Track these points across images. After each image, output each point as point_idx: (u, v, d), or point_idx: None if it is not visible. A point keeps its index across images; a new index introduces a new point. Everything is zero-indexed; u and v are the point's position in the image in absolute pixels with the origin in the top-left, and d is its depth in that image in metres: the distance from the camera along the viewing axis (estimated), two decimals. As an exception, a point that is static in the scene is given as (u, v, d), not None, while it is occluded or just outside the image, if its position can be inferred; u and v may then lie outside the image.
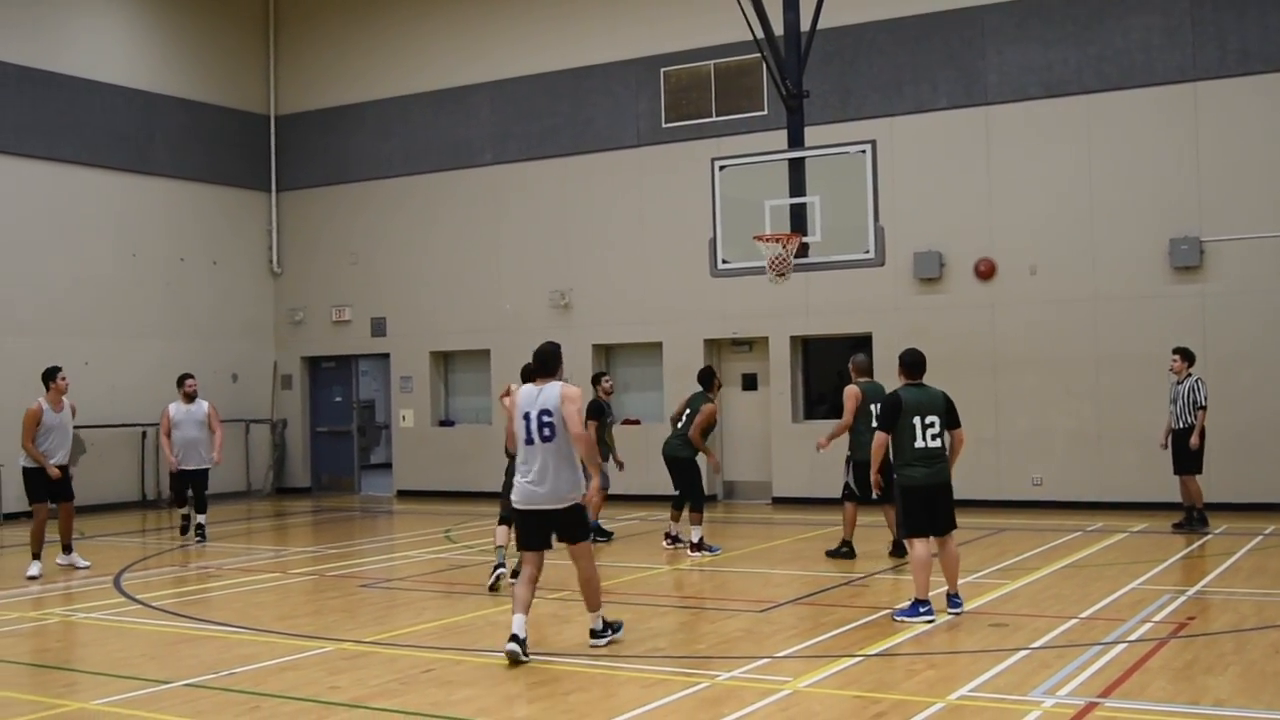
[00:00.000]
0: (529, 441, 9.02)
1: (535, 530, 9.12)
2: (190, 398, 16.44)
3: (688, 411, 14.56)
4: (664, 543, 14.83)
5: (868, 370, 13.98)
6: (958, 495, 10.50)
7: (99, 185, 21.83)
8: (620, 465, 15.75)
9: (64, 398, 13.92)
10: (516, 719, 7.29)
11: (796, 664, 8.58)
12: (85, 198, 21.63)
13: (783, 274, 14.99)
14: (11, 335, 20.35)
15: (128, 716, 7.59)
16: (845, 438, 13.55)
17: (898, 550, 13.20)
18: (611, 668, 8.59)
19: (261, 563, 14.62)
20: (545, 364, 9.17)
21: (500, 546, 11.94)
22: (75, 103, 21.52)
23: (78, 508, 15.09)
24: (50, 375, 13.93)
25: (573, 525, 9.12)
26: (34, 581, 13.26)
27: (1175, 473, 15.40)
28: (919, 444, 10.14)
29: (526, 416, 9.04)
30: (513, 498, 9.20)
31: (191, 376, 16.77)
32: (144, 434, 21.74)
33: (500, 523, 12.01)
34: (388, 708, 7.59)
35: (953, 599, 10.21)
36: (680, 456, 14.51)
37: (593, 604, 9.28)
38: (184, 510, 16.60)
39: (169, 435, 16.34)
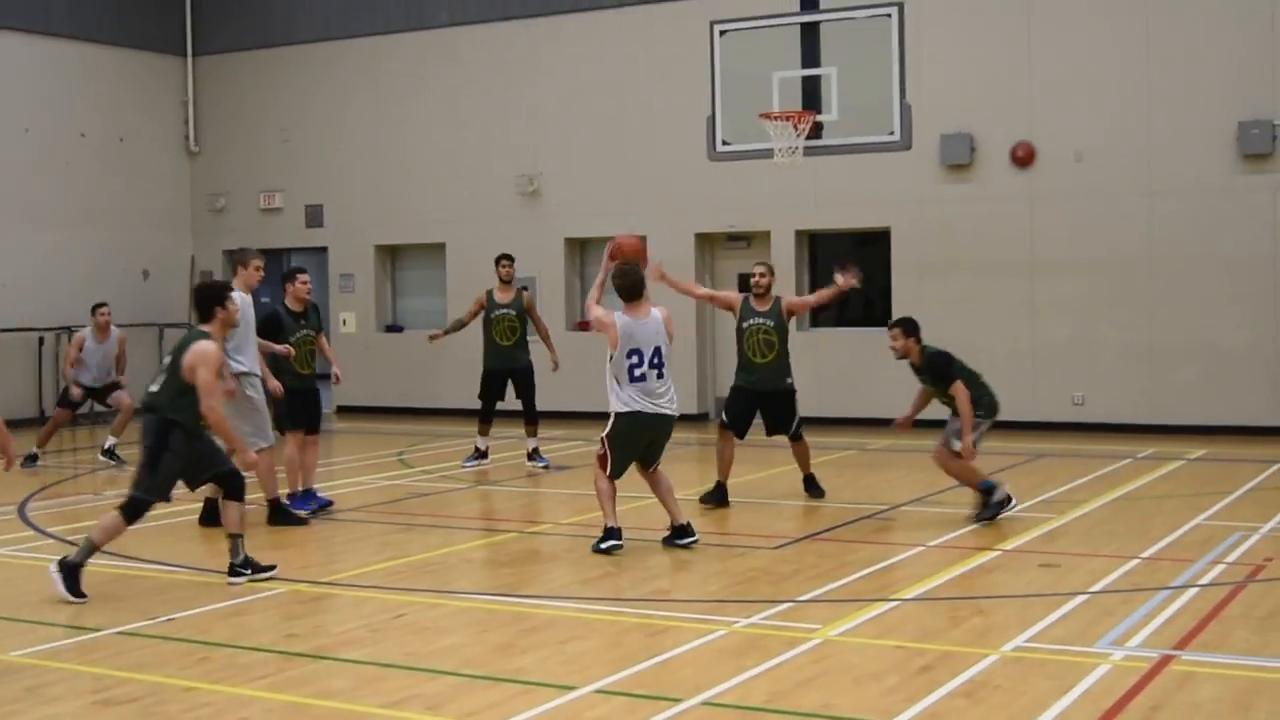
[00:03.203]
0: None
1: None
2: (104, 330, 16.74)
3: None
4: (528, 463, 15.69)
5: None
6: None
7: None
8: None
9: None
10: (510, 672, 7.30)
11: (823, 609, 8.62)
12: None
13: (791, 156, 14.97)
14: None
15: (54, 670, 7.56)
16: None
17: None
18: (614, 613, 8.62)
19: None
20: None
21: None
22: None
23: None
24: None
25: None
26: None
27: None
28: None
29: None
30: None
31: (105, 305, 16.89)
32: (40, 340, 21.47)
33: None
34: (358, 659, 7.59)
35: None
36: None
37: None
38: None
39: (74, 365, 16.77)
